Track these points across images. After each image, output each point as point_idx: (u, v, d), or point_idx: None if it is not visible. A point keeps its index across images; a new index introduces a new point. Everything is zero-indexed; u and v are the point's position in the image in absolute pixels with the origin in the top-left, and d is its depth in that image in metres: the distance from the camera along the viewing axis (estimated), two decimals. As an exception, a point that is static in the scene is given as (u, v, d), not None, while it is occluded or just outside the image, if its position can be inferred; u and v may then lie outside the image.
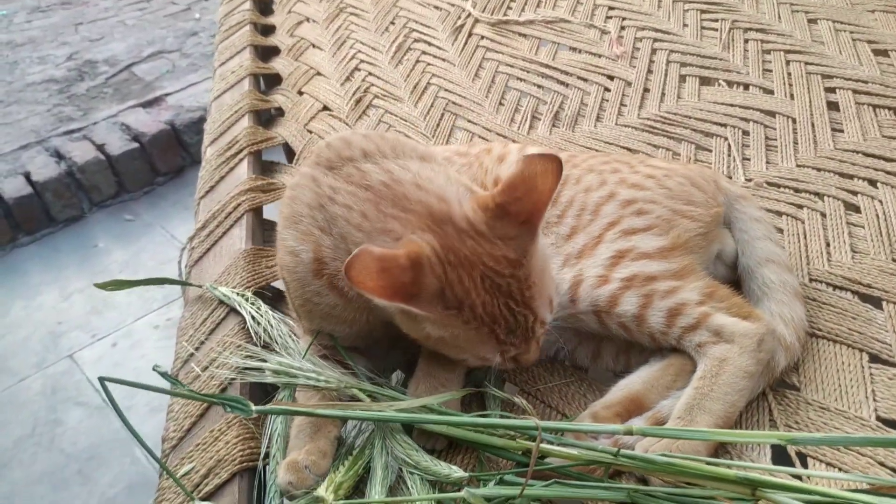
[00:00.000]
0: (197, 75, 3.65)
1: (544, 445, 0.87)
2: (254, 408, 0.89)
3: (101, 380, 0.91)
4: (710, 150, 1.46)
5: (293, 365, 1.01)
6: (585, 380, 1.09)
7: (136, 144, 3.17)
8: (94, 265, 2.92)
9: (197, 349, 1.11)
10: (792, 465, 0.90)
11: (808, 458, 0.91)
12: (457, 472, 0.90)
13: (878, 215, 1.23)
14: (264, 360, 1.04)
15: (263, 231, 1.41)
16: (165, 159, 3.24)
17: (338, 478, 0.90)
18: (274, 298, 1.24)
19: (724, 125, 1.51)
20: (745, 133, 1.49)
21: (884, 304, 1.08)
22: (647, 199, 1.09)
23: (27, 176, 3.06)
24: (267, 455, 0.96)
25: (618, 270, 1.02)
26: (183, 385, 0.98)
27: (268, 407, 0.91)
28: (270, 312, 1.14)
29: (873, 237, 1.19)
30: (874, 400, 0.96)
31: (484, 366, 0.98)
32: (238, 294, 1.17)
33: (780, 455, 0.92)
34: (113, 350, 2.56)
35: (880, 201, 1.26)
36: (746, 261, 1.13)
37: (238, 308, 1.15)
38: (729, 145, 1.46)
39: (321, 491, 0.86)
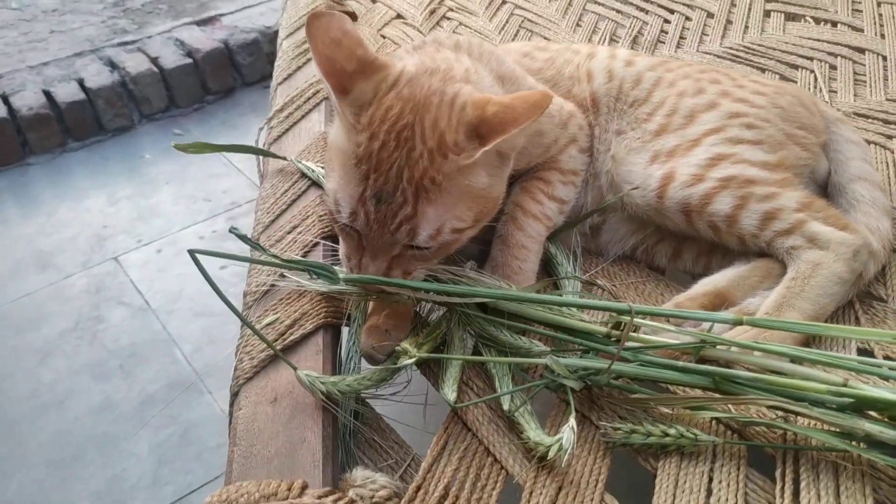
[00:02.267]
0: (253, -1, 3.62)
1: (632, 334, 0.87)
2: (341, 275, 0.89)
3: (192, 252, 0.91)
4: (795, 82, 1.43)
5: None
6: (662, 280, 1.08)
7: (189, 60, 3.15)
8: (142, 175, 2.93)
9: (278, 217, 1.11)
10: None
11: None
12: (538, 345, 0.90)
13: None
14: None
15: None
16: (217, 78, 3.23)
17: (420, 339, 0.90)
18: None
19: (811, 59, 1.48)
20: (833, 67, 1.45)
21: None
22: (758, 117, 1.06)
23: (80, 82, 3.06)
24: (349, 317, 0.95)
25: (715, 171, 1.01)
26: (266, 250, 0.98)
27: (355, 276, 0.90)
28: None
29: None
30: (967, 314, 0.94)
31: (335, 215, 0.88)
32: (322, 167, 1.17)
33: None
34: (157, 256, 2.57)
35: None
36: (838, 178, 1.11)
37: (321, 181, 1.14)
38: (815, 77, 1.43)
39: (405, 343, 0.86)
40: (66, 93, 3.01)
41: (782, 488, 0.75)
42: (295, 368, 0.82)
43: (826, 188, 1.11)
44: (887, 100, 1.35)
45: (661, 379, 0.83)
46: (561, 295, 1.01)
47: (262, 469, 0.75)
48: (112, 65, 3.16)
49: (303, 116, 1.33)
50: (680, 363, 0.83)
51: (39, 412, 2.09)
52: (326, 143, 0.90)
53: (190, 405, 2.07)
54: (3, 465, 1.98)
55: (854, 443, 0.75)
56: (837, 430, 0.77)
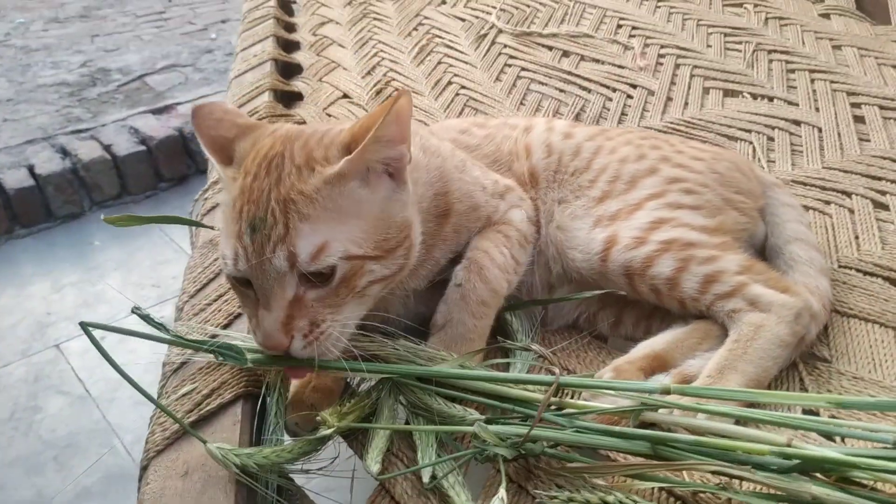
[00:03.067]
0: (209, 88, 3.65)
1: (569, 400, 0.83)
2: (249, 357, 0.84)
3: (83, 325, 0.87)
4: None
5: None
6: (604, 349, 1.05)
7: (143, 147, 3.14)
8: (89, 261, 2.86)
9: (204, 286, 1.07)
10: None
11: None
12: (473, 414, 0.85)
13: (907, 214, 1.21)
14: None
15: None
16: (171, 165, 3.21)
17: (344, 409, 0.85)
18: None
19: (749, 131, 1.51)
20: (770, 139, 1.48)
21: (917, 290, 1.06)
22: (697, 182, 1.06)
23: (30, 169, 3.02)
24: (269, 385, 0.90)
25: (657, 234, 0.99)
26: (167, 330, 0.93)
27: (263, 357, 0.85)
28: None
29: (903, 232, 1.17)
30: (909, 375, 0.92)
31: (224, 270, 0.85)
32: None
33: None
34: (103, 342, 2.49)
35: (910, 201, 1.24)
36: (775, 241, 1.11)
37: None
38: (754, 148, 1.45)
39: (326, 414, 0.81)
40: (15, 179, 2.97)
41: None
42: (205, 442, 0.77)
43: (764, 252, 1.11)
44: (824, 167, 1.36)
45: (598, 445, 0.79)
46: (511, 364, 0.98)
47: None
48: (64, 152, 3.14)
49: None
50: (616, 428, 0.79)
51: (-36, 510, 1.96)
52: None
53: (129, 499, 1.96)
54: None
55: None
56: (784, 494, 0.73)
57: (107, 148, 3.13)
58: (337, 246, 0.79)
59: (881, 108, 1.52)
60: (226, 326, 0.99)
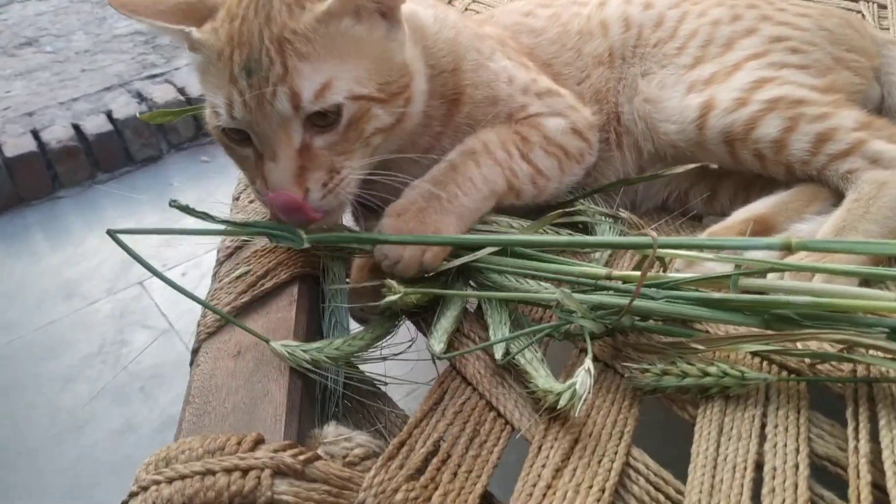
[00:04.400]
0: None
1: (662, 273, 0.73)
2: (305, 236, 0.76)
3: (110, 232, 0.80)
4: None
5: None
6: (699, 227, 0.94)
7: (216, 87, 3.13)
8: (168, 202, 2.89)
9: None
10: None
11: None
12: (548, 287, 0.76)
13: None
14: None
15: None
16: (245, 104, 3.20)
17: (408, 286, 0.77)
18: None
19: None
20: (882, 6, 1.31)
21: None
22: (803, 40, 0.93)
23: (109, 114, 3.05)
24: (325, 269, 0.83)
25: (760, 93, 0.87)
26: (213, 218, 0.87)
27: (322, 235, 0.78)
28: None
29: None
30: None
31: (217, 125, 0.79)
32: None
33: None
34: (182, 279, 2.50)
35: None
36: (894, 102, 0.96)
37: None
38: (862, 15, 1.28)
39: (390, 280, 0.73)
40: (95, 125, 3.00)
41: (856, 429, 0.60)
42: (267, 341, 0.70)
43: (880, 116, 0.97)
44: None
45: (695, 316, 0.69)
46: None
47: (216, 426, 0.63)
48: (140, 96, 3.16)
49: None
50: (717, 295, 0.69)
51: (58, 439, 2.00)
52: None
53: (211, 426, 1.97)
54: (22, 495, 1.90)
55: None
56: (921, 361, 0.62)
57: (181, 91, 3.13)
58: (341, 84, 0.73)
59: None
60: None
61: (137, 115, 2.99)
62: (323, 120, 0.73)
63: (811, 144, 0.84)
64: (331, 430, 0.63)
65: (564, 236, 0.77)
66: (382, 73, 0.77)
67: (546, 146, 0.92)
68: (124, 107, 3.07)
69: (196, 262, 2.57)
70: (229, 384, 0.67)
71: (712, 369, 0.64)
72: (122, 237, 0.77)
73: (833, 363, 0.65)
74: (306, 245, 0.76)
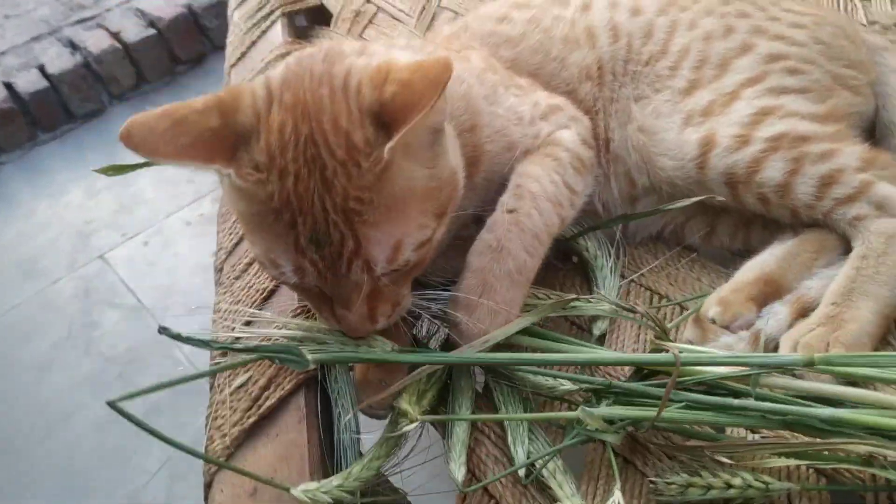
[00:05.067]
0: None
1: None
2: (310, 357, 0.72)
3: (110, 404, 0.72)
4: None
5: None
6: (697, 261, 0.92)
7: (153, 31, 2.94)
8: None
9: (238, 242, 0.95)
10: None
11: None
12: (564, 384, 0.74)
13: None
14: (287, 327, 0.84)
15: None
16: (185, 46, 3.02)
17: (420, 386, 0.75)
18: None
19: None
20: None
21: None
22: (801, 58, 0.89)
23: (41, 69, 2.86)
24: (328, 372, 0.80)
25: (762, 129, 0.84)
26: (211, 345, 0.82)
27: (327, 355, 0.74)
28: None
29: None
30: None
31: (279, 279, 0.74)
32: None
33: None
34: (145, 249, 2.43)
35: None
36: (888, 115, 0.94)
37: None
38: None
39: (402, 402, 0.71)
40: (28, 82, 2.82)
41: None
42: (287, 489, 0.67)
43: (873, 128, 0.94)
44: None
45: (715, 423, 0.68)
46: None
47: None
48: (73, 46, 2.96)
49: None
50: (736, 402, 0.67)
51: (44, 434, 1.99)
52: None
53: (197, 411, 1.95)
54: (15, 492, 1.90)
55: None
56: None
57: (115, 36, 2.94)
58: (409, 240, 0.69)
59: None
60: (272, 292, 0.88)
61: (73, 68, 2.82)
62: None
63: (816, 188, 0.82)
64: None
65: (583, 350, 0.74)
66: (435, 199, 0.72)
67: (573, 162, 0.89)
68: (57, 59, 2.89)
69: (157, 228, 2.49)
70: (251, 527, 0.66)
71: (737, 481, 0.64)
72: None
73: (858, 469, 0.65)
74: (311, 366, 0.72)
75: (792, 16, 0.94)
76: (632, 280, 0.90)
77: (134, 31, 2.94)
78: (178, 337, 0.72)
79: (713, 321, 0.78)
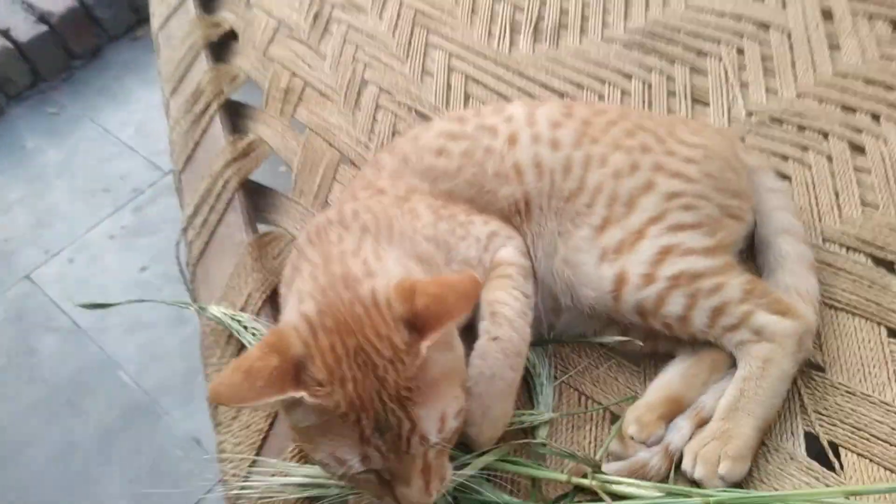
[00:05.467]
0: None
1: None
2: None
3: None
4: (707, 74, 1.42)
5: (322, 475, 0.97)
6: (614, 360, 1.12)
7: (44, 26, 2.86)
8: (28, 169, 2.73)
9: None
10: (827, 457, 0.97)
11: (840, 448, 0.98)
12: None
13: (882, 158, 1.24)
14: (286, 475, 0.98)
15: (257, 203, 1.34)
16: (79, 39, 2.95)
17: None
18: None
19: (718, 41, 1.46)
20: (740, 52, 1.44)
21: (896, 266, 1.13)
22: (694, 194, 1.07)
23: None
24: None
25: (664, 268, 1.02)
26: None
27: None
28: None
29: (880, 185, 1.21)
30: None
31: (362, 487, 0.90)
32: (233, 318, 1.13)
33: (812, 441, 0.99)
34: (71, 266, 2.47)
35: (885, 140, 1.26)
36: (764, 232, 1.14)
37: (238, 336, 1.12)
38: (725, 69, 1.41)
39: None
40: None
41: None
42: None
43: (751, 239, 1.15)
44: (797, 96, 1.36)
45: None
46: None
47: None
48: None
49: (219, 220, 1.27)
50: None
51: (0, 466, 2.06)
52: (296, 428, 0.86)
53: (150, 431, 2.08)
54: (-24, 527, 1.98)
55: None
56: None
57: (5, 34, 2.84)
58: (451, 410, 0.85)
59: (848, -2, 1.48)
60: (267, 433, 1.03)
61: None
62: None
63: (709, 319, 1.01)
64: None
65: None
66: (462, 372, 0.91)
67: (520, 271, 1.05)
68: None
69: (80, 244, 2.52)
70: None
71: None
72: None
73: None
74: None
75: (686, 149, 1.11)
76: (562, 381, 1.10)
77: (24, 29, 2.86)
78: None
79: (632, 438, 0.99)
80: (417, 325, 0.82)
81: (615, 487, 0.91)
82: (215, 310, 1.14)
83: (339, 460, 0.83)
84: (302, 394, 0.79)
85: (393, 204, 1.06)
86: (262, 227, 1.29)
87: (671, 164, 1.09)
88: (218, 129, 1.41)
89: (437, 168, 1.12)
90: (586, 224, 1.07)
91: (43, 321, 2.35)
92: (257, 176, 1.39)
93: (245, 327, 1.11)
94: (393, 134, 1.43)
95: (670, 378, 1.05)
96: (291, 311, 0.89)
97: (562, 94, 1.46)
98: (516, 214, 1.11)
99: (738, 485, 0.94)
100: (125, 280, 2.39)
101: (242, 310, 1.14)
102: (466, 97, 1.50)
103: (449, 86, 1.51)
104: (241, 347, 1.11)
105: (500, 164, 1.11)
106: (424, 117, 1.45)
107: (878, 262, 1.14)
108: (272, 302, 1.16)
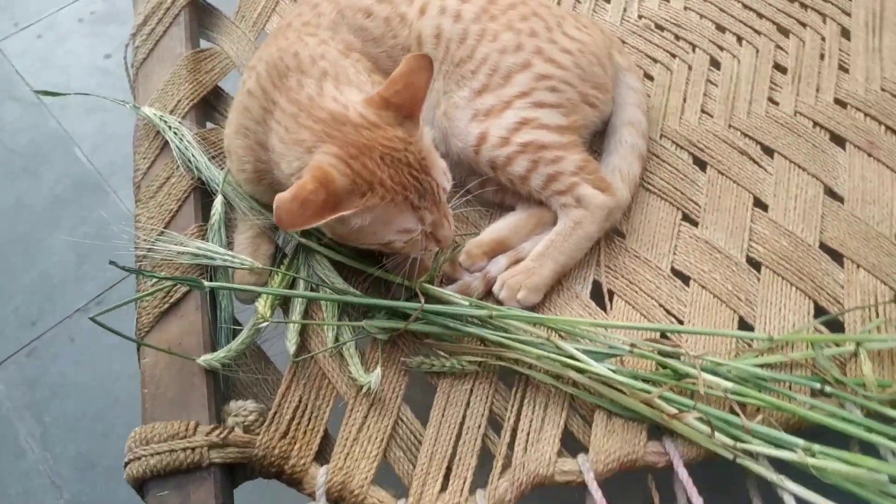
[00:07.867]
0: None
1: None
2: (206, 284, 1.17)
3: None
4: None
5: (210, 250, 1.23)
6: (473, 204, 1.37)
7: None
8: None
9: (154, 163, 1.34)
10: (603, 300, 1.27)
11: (615, 295, 1.27)
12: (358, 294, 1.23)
13: (731, 76, 1.48)
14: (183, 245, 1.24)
15: (202, 19, 1.53)
16: None
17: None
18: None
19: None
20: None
21: (707, 167, 1.39)
22: (561, 79, 1.30)
23: None
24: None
25: (518, 135, 1.26)
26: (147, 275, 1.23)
27: (219, 284, 1.22)
28: (192, 147, 1.35)
29: (721, 98, 1.46)
30: (673, 254, 1.30)
31: (410, 247, 1.13)
32: (160, 119, 1.36)
33: (598, 288, 1.28)
34: (38, 42, 2.62)
35: (739, 61, 1.50)
36: (615, 121, 1.40)
37: (163, 133, 1.36)
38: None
39: (259, 306, 1.17)
40: None
41: (514, 400, 1.15)
42: (194, 359, 1.14)
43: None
44: (684, 8, 1.57)
45: (445, 334, 1.19)
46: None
47: (167, 409, 1.10)
48: None
49: (164, 32, 1.46)
50: (451, 324, 1.18)
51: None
52: (356, 232, 1.10)
53: (98, 205, 2.32)
54: None
55: (562, 381, 1.14)
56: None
57: None
58: (442, 164, 1.15)
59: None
60: (175, 213, 1.29)
61: None
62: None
63: (543, 182, 1.26)
64: (233, 406, 1.12)
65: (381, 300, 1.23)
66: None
67: None
68: None
69: (50, 21, 2.66)
70: (167, 375, 1.12)
71: (447, 362, 1.16)
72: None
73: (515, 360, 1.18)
74: (206, 289, 1.20)
75: (566, 41, 1.32)
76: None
77: None
78: (125, 268, 1.13)
79: (461, 265, 1.28)
80: (405, 113, 1.08)
81: (435, 292, 1.20)
82: (148, 110, 1.37)
83: (405, 230, 1.09)
84: (358, 207, 1.03)
85: (340, 57, 1.25)
86: (203, 44, 1.49)
87: (550, 50, 1.31)
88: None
89: (366, 30, 1.32)
90: (468, 87, 1.30)
91: (6, 89, 2.53)
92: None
93: (170, 127, 1.35)
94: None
95: (503, 225, 1.33)
96: (318, 156, 1.07)
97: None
98: None
99: (531, 310, 1.23)
100: (88, 64, 2.57)
101: (171, 113, 1.38)
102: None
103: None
104: (165, 143, 1.35)
105: (408, 35, 1.32)
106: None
107: (696, 161, 1.40)
108: (197, 109, 1.38)
